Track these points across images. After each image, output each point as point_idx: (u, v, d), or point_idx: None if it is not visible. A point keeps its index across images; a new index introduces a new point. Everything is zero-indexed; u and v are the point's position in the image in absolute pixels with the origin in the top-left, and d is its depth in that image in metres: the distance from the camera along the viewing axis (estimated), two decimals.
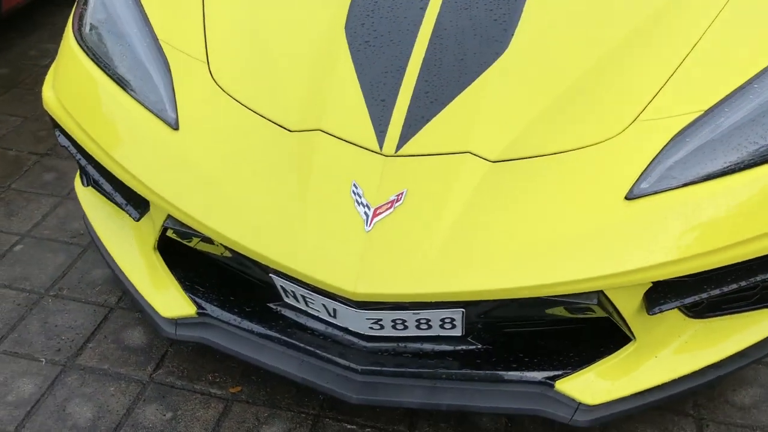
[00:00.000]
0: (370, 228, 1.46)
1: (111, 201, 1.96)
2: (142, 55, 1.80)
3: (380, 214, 1.48)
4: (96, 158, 1.76)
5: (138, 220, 1.79)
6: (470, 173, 1.51)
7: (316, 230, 1.49)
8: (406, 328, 1.58)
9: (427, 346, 1.64)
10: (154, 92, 1.74)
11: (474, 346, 1.64)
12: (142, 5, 1.90)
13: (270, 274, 1.60)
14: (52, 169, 2.68)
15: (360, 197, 1.50)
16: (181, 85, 1.74)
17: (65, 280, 2.17)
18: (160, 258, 1.83)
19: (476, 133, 1.57)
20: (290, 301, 1.68)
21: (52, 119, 1.91)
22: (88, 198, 2.06)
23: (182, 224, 1.64)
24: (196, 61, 1.79)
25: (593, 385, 1.57)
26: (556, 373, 1.59)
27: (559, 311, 1.56)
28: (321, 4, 1.86)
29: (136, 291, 1.82)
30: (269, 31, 1.83)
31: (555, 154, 1.54)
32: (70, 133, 1.85)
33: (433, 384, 1.62)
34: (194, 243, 1.72)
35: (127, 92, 1.76)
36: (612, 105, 1.60)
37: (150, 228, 1.82)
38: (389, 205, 1.48)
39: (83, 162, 1.89)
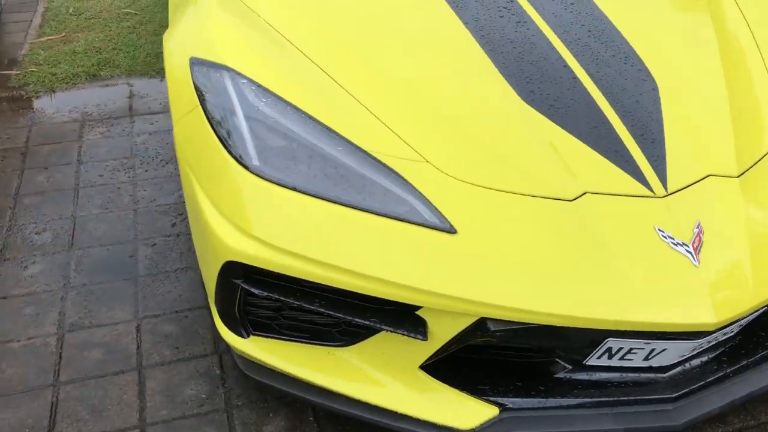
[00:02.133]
0: (699, 263, 1.59)
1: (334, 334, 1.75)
2: (365, 171, 1.66)
3: (698, 248, 1.62)
4: (333, 285, 1.59)
5: (426, 339, 1.64)
6: (728, 192, 1.73)
7: (644, 282, 1.57)
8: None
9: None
10: (401, 203, 1.63)
11: None
12: (321, 122, 1.74)
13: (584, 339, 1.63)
14: None
15: (673, 239, 1.62)
16: (428, 190, 1.65)
17: None
18: (428, 375, 1.71)
19: (705, 157, 1.79)
20: (594, 362, 1.71)
21: (230, 272, 1.65)
22: (287, 353, 1.79)
23: (494, 322, 1.58)
24: (415, 162, 1.71)
25: None
26: None
27: None
28: (477, 83, 1.90)
29: (417, 421, 1.67)
30: (453, 112, 1.82)
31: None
32: (277, 272, 1.62)
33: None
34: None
35: (361, 210, 1.62)
36: None
37: (399, 351, 1.69)
38: (698, 238, 1.63)
39: (293, 303, 1.67)
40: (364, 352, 1.74)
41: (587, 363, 1.72)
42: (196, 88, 1.84)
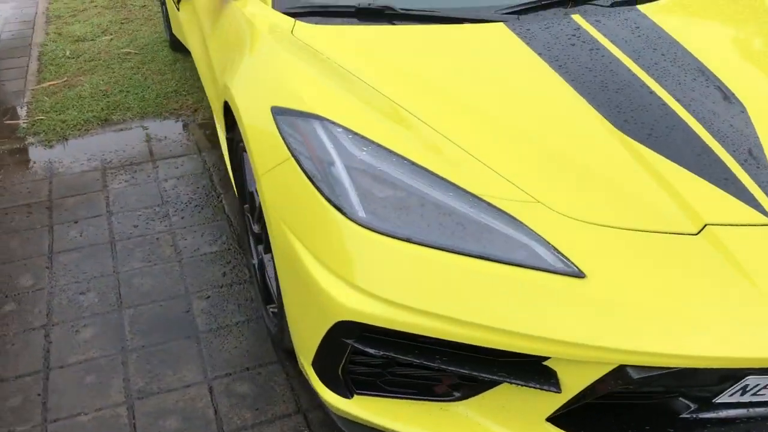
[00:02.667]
0: None
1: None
2: (480, 216, 1.58)
3: None
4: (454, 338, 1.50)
5: (561, 391, 1.56)
6: None
7: None
8: None
9: None
10: (522, 248, 1.55)
11: None
12: (426, 168, 1.66)
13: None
14: None
15: None
16: (546, 232, 1.58)
17: None
18: (556, 427, 1.63)
19: None
20: (725, 399, 1.65)
21: (341, 331, 1.56)
22: (396, 412, 1.70)
23: (635, 369, 1.50)
24: (526, 203, 1.63)
25: None
26: None
27: None
28: (569, 116, 1.84)
29: None
30: (553, 148, 1.75)
31: None
32: (396, 330, 1.54)
33: None
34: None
35: (483, 258, 1.54)
36: None
37: (524, 403, 1.60)
38: None
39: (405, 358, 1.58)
40: (483, 405, 1.66)
41: (717, 401, 1.65)
42: (285, 140, 1.75)
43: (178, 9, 3.80)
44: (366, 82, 1.89)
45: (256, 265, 2.41)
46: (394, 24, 2.17)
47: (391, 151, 1.68)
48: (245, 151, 2.16)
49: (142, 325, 2.38)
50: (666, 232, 1.60)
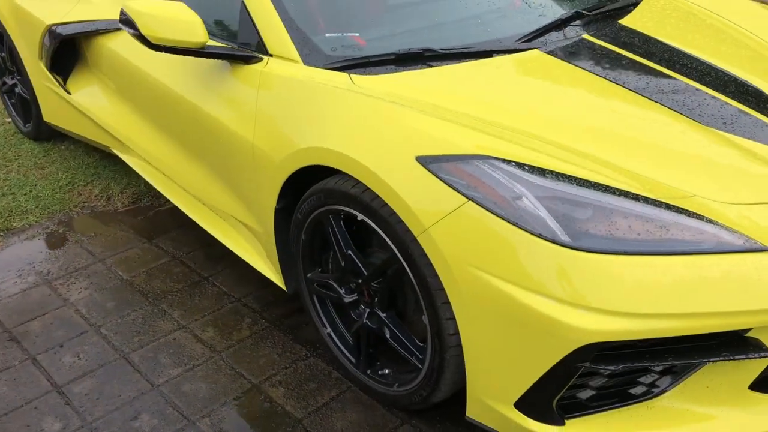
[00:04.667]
0: None
1: None
2: (666, 217, 1.71)
3: None
4: None
5: None
6: None
7: None
8: None
9: None
10: (711, 237, 1.70)
11: None
12: (600, 183, 1.75)
13: None
14: None
15: None
16: (726, 219, 1.73)
17: None
18: (758, 392, 1.79)
19: None
20: None
21: (578, 356, 1.61)
22: (608, 425, 1.74)
23: None
24: (689, 199, 1.78)
25: None
26: None
27: None
28: (661, 122, 2.03)
29: None
30: (671, 148, 1.93)
31: None
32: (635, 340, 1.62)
33: None
34: None
35: (688, 254, 1.66)
36: None
37: (726, 378, 1.75)
38: None
39: None
40: (686, 392, 1.77)
41: None
42: (451, 186, 1.72)
43: (68, 92, 3.41)
44: (481, 119, 1.92)
45: (336, 334, 2.29)
46: (432, 66, 2.22)
47: (568, 175, 1.74)
48: (338, 216, 2.07)
49: (230, 428, 2.14)
50: None
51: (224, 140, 2.39)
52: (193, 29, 2.26)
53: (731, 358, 1.69)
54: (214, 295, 2.76)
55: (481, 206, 1.70)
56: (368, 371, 2.20)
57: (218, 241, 2.69)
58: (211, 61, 2.44)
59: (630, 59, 2.30)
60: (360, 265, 2.07)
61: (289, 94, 2.18)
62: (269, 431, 2.14)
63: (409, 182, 1.79)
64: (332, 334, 2.31)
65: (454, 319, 1.81)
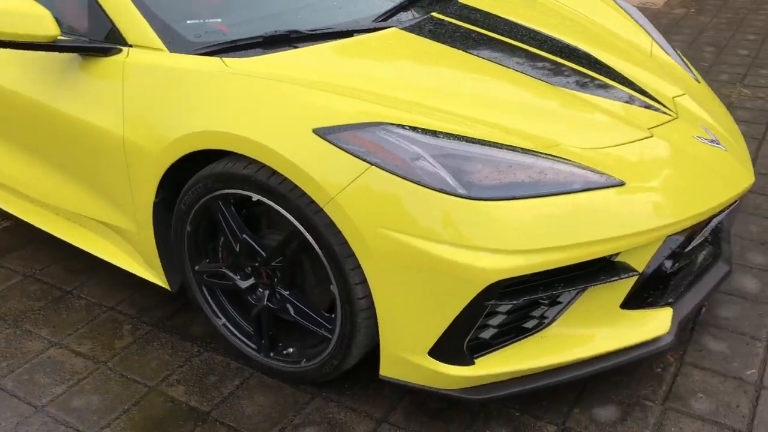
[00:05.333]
0: (725, 147, 2.27)
1: None
2: (543, 164, 1.91)
3: (716, 140, 2.29)
4: None
5: (639, 273, 1.95)
6: (691, 102, 2.44)
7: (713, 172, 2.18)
8: None
9: None
10: (580, 177, 1.92)
11: None
12: (487, 141, 1.90)
13: None
14: None
15: (705, 139, 2.25)
16: (588, 162, 1.98)
17: None
18: (623, 309, 2.04)
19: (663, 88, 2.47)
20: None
21: (485, 296, 1.78)
22: (508, 358, 1.91)
23: None
24: (557, 147, 1.99)
25: None
26: None
27: None
28: (517, 83, 2.25)
29: (631, 348, 1.99)
30: (533, 105, 2.15)
31: None
32: (533, 273, 1.81)
33: None
34: None
35: (568, 193, 1.88)
36: None
37: (601, 301, 1.99)
38: (710, 133, 2.30)
39: None
40: (571, 318, 1.98)
41: (687, 250, 2.27)
42: (352, 154, 1.79)
43: None
44: (363, 90, 2.01)
45: (231, 323, 2.27)
46: (298, 47, 2.28)
47: (457, 135, 1.87)
48: (228, 202, 2.05)
49: None
50: (638, 140, 2.13)
51: (87, 139, 2.27)
52: (42, 22, 2.12)
53: (608, 280, 1.92)
54: (83, 308, 2.60)
55: (383, 170, 1.78)
56: (271, 354, 2.21)
57: (76, 253, 2.54)
58: (64, 56, 2.30)
59: (478, 32, 2.51)
60: (257, 247, 2.07)
61: (161, 82, 2.13)
62: (178, 428, 2.07)
63: (310, 155, 1.83)
64: (227, 324, 2.28)
65: (363, 282, 1.88)
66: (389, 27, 2.45)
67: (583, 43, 2.62)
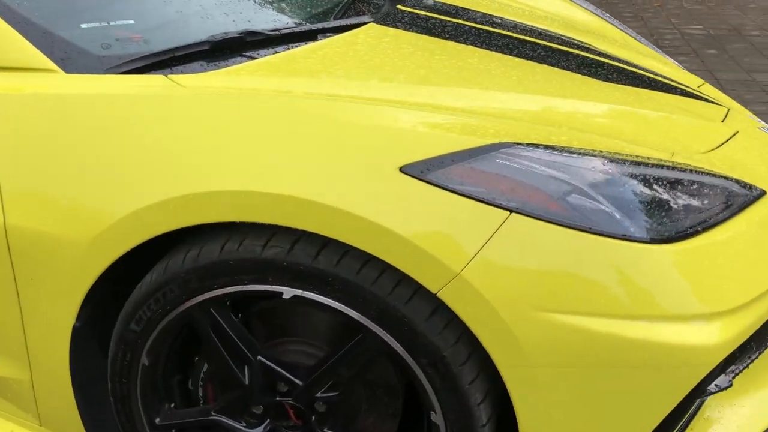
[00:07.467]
0: None
1: None
2: None
3: None
4: None
5: None
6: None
7: None
8: None
9: None
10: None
11: None
12: None
13: None
14: None
15: None
16: None
17: None
18: None
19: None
20: None
21: None
22: None
23: None
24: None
25: None
26: None
27: None
28: (510, 67, 1.73)
29: None
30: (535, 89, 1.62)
31: None
32: None
33: None
34: None
35: None
36: None
37: None
38: None
39: None
40: None
41: None
42: (474, 197, 1.10)
43: None
44: (410, 102, 1.34)
45: None
46: (267, 54, 1.53)
47: (592, 151, 1.26)
48: (223, 306, 1.24)
49: None
50: (731, 137, 1.68)
51: None
52: None
53: None
54: None
55: (529, 216, 1.11)
56: None
57: None
58: None
59: (455, 23, 1.96)
60: (286, 373, 1.27)
61: (64, 124, 1.25)
62: None
63: (404, 208, 1.10)
64: None
65: (485, 401, 1.19)
66: (364, 23, 1.77)
67: (588, 38, 2.17)
